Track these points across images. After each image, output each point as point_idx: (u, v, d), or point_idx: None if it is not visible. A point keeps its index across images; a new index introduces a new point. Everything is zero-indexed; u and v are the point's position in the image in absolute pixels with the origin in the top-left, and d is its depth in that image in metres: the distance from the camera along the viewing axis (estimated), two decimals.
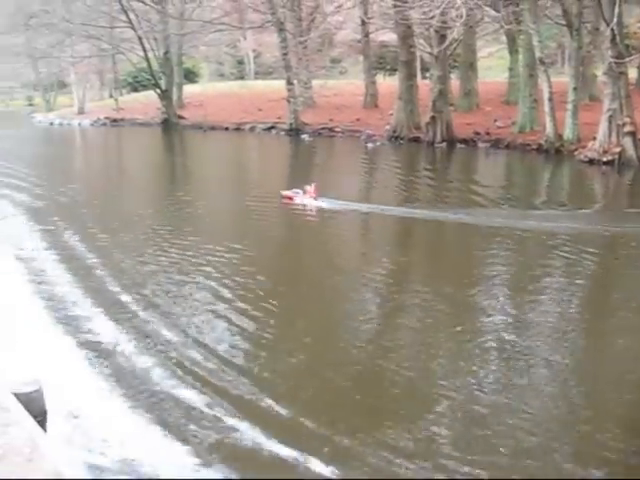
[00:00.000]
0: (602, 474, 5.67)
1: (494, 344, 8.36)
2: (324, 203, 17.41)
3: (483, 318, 9.31)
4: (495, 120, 32.63)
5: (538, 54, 27.85)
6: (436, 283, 10.83)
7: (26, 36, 58.95)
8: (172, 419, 6.53)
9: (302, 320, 9.48)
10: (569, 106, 26.51)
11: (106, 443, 6.08)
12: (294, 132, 38.19)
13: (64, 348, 8.25)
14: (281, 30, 38.88)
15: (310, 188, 17.89)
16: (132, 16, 45.64)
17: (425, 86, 34.85)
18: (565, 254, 12.48)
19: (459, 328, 8.91)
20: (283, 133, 39.11)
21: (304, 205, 17.51)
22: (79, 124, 53.21)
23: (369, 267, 11.67)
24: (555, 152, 26.38)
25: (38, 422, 5.29)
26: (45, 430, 5.36)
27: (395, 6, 30.51)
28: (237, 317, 9.22)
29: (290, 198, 18.03)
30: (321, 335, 8.90)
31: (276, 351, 8.34)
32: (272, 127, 40.97)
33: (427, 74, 42.96)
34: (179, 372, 7.55)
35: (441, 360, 8.02)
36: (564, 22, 28.04)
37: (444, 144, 30.48)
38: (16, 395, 5.62)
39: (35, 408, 5.64)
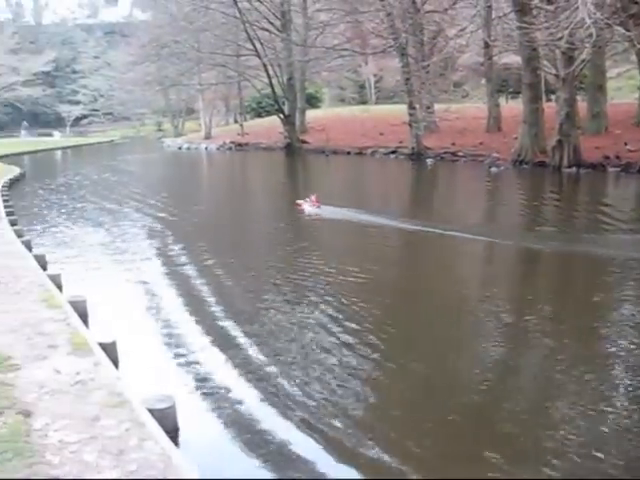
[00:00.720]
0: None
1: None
2: (324, 212, 19.81)
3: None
4: (625, 143, 31.38)
5: None
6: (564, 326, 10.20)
7: (157, 65, 61.80)
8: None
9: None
10: None
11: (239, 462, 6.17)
12: (416, 156, 38.10)
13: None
14: (403, 55, 39.02)
15: (313, 197, 20.58)
16: (257, 44, 47.02)
17: (550, 109, 33.97)
18: None
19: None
20: (404, 157, 39.09)
21: (309, 214, 19.94)
22: (206, 148, 55.16)
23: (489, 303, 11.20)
24: None
25: (170, 438, 5.46)
26: (178, 446, 5.51)
27: (520, 28, 30.03)
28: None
29: (300, 205, 20.71)
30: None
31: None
32: (394, 151, 41.03)
33: (552, 96, 41.99)
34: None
35: None
36: None
37: (572, 169, 29.52)
38: (150, 411, 5.83)
39: (168, 424, 5.83)
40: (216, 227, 20.00)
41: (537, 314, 10.20)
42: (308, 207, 20.43)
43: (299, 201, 20.99)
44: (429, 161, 36.41)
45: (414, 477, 5.76)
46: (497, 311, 10.32)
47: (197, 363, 8.47)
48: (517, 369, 8.48)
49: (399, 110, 45.28)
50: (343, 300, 10.82)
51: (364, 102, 71.12)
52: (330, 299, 10.89)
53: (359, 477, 5.80)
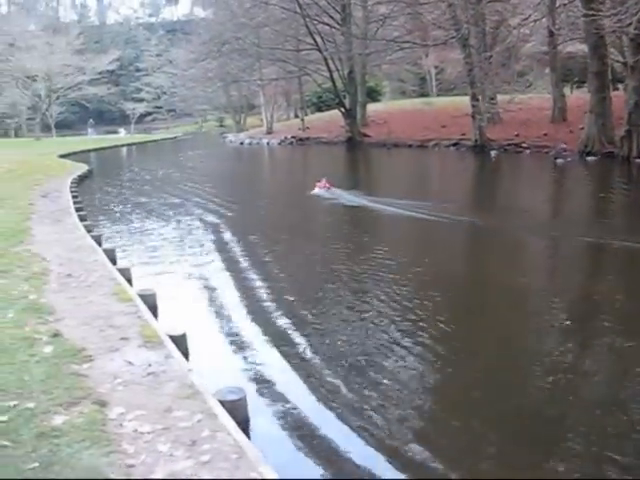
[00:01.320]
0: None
1: None
2: (333, 195, 22.22)
3: None
4: None
5: None
6: None
7: (219, 62, 62.31)
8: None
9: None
10: None
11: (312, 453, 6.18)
12: (479, 148, 37.68)
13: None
14: (465, 46, 38.59)
15: (323, 180, 23.32)
16: (318, 38, 47.03)
17: (617, 98, 33.10)
18: None
19: None
20: (467, 149, 38.66)
21: (318, 195, 22.35)
22: (268, 143, 55.54)
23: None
24: None
25: (242, 430, 5.50)
26: (249, 438, 5.54)
27: (585, 15, 29.32)
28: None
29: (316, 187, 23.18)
30: None
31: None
32: (456, 143, 40.64)
33: (619, 85, 40.94)
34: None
35: None
36: None
37: None
38: (222, 403, 5.88)
39: (239, 416, 5.88)
40: (271, 221, 20.06)
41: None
42: (318, 189, 22.91)
43: (317, 183, 23.35)
44: (493, 153, 35.90)
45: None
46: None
47: (262, 354, 8.55)
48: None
49: (461, 102, 44.81)
50: None
51: (425, 94, 70.57)
52: None
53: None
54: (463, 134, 40.60)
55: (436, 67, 68.82)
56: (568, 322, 9.60)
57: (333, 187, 23.19)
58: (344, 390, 7.41)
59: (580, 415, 6.76)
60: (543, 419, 6.65)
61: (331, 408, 7.04)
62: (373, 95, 67.02)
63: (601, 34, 30.93)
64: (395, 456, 6.00)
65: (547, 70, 48.54)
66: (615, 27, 28.88)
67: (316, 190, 22.90)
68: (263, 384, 7.66)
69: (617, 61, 33.77)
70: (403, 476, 5.73)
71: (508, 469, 5.79)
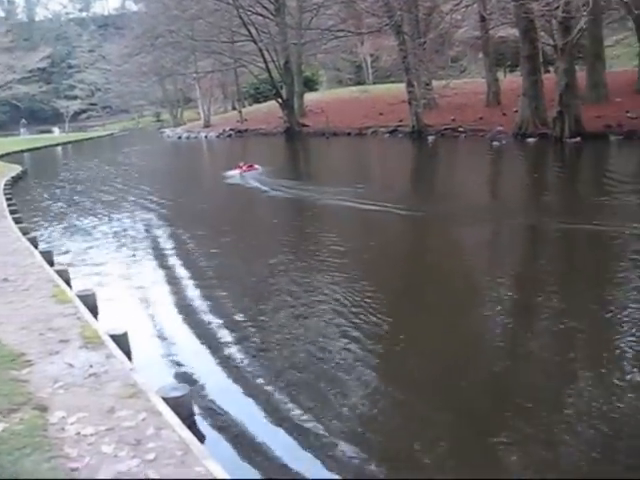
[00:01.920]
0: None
1: None
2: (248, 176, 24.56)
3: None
4: (627, 111, 31.24)
5: None
6: None
7: (153, 56, 61.58)
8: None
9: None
10: None
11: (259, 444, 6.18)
12: (417, 134, 38.02)
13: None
14: (399, 33, 38.81)
15: (243, 164, 26.08)
16: (252, 29, 46.79)
17: (549, 80, 33.79)
18: None
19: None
20: (405, 136, 39.00)
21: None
22: (206, 137, 55.09)
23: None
24: None
25: (187, 426, 5.47)
26: (194, 434, 5.51)
27: (516, 0, 29.81)
28: None
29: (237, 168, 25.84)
30: None
31: None
32: (394, 130, 40.92)
33: (550, 68, 41.76)
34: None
35: None
36: None
37: (574, 139, 29.36)
38: (165, 400, 5.84)
39: (183, 412, 5.84)
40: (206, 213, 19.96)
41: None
42: (235, 171, 25.45)
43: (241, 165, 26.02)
44: (430, 138, 36.25)
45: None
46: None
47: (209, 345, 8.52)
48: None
49: (397, 89, 45.18)
50: None
51: (361, 83, 70.82)
52: None
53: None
54: (400, 121, 40.91)
55: (371, 55, 69.11)
56: (506, 298, 9.81)
57: (254, 169, 25.70)
58: (288, 383, 7.44)
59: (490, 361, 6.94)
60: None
61: (283, 390, 7.09)
62: (310, 85, 67.01)
63: (531, 18, 31.46)
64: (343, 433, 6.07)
65: (480, 55, 49.29)
66: (544, 11, 29.42)
67: (233, 172, 25.33)
68: (207, 379, 7.63)
69: (548, 44, 34.35)
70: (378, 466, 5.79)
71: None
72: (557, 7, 26.76)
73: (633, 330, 8.19)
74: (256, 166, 26.46)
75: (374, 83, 68.48)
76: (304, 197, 20.18)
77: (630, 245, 12.18)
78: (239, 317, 9.69)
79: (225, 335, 9.01)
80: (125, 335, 7.68)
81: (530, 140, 31.25)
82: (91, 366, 6.58)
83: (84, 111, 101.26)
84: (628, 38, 46.53)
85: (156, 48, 58.96)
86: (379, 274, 11.82)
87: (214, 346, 8.66)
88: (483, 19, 40.10)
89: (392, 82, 57.02)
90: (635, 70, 38.18)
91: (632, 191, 17.64)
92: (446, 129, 37.73)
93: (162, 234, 16.68)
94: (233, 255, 13.89)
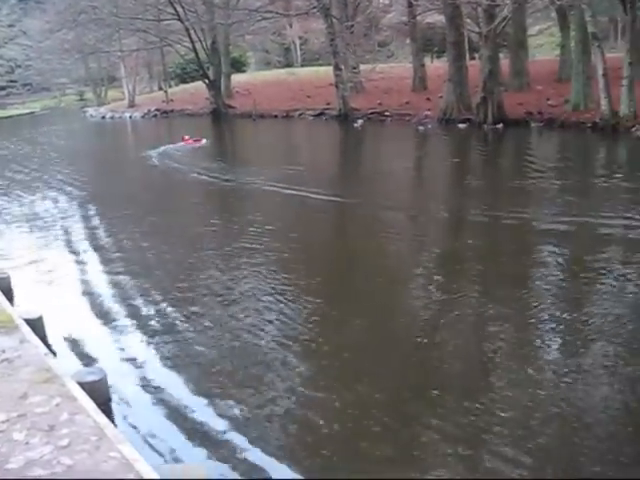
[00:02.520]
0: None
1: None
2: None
3: None
4: (547, 99, 32.01)
5: (591, 29, 27.09)
6: None
7: (75, 32, 59.69)
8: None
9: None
10: (624, 82, 25.75)
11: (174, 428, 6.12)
12: (343, 117, 38.07)
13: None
14: (327, 16, 38.69)
15: (188, 137, 28.72)
16: (178, 8, 45.85)
17: (474, 67, 34.33)
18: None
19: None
20: (331, 118, 39.04)
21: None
22: (130, 117, 53.90)
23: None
24: (611, 129, 25.70)
25: (102, 410, 5.37)
26: (110, 418, 5.42)
27: None
28: None
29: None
30: None
31: None
32: (321, 113, 40.88)
33: (476, 55, 42.41)
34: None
35: None
36: None
37: (496, 125, 29.92)
38: (80, 384, 5.72)
39: (99, 397, 5.73)
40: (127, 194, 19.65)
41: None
42: (183, 143, 28.37)
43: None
44: (359, 122, 36.35)
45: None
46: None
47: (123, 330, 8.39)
48: None
49: (325, 72, 45.13)
50: None
51: (290, 65, 70.50)
52: None
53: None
54: (328, 104, 40.89)
55: (300, 37, 68.81)
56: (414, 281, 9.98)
57: (199, 142, 28.34)
58: (213, 365, 7.41)
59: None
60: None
61: (201, 371, 7.06)
62: (238, 66, 66.28)
63: (457, 4, 31.85)
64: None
65: (408, 40, 49.61)
66: None
67: (174, 145, 27.87)
68: (125, 363, 7.53)
69: (473, 31, 34.87)
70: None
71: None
72: None
73: (552, 312, 8.47)
74: (203, 140, 29.11)
75: (302, 66, 68.22)
76: (224, 179, 20.07)
77: (537, 228, 12.63)
78: (160, 299, 9.59)
79: (143, 318, 8.93)
80: (40, 319, 7.50)
81: (455, 125, 31.69)
82: (3, 351, 6.40)
83: (3, 88, 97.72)
84: (551, 28, 47.61)
85: (79, 24, 57.04)
86: (301, 257, 11.86)
87: (131, 329, 8.56)
88: (410, 4, 40.34)
89: (320, 65, 56.92)
90: (557, 59, 39.07)
91: (549, 176, 18.20)
92: (372, 113, 37.90)
93: (76, 215, 16.47)
94: (150, 237, 13.72)
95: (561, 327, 8.15)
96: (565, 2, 29.75)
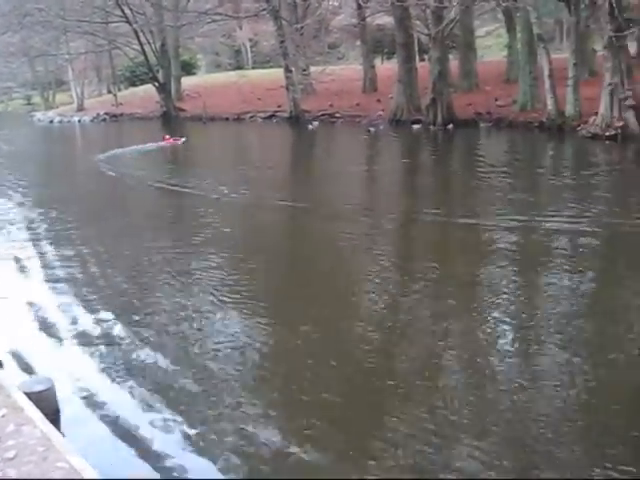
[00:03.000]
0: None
1: None
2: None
3: None
4: (496, 99, 32.46)
5: (537, 31, 27.59)
6: None
7: (21, 35, 58.58)
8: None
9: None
10: (570, 82, 26.25)
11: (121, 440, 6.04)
12: (294, 119, 38.07)
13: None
14: (277, 18, 38.66)
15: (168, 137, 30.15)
16: (127, 10, 45.39)
17: (424, 68, 34.64)
18: None
19: None
20: (281, 121, 39.03)
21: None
22: (79, 121, 53.10)
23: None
24: (557, 129, 26.19)
25: (51, 421, 5.28)
26: (59, 428, 5.34)
27: None
28: None
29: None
30: None
31: None
32: (272, 116, 40.86)
33: (425, 56, 42.75)
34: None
35: None
36: None
37: (446, 125, 30.22)
38: (28, 394, 5.61)
39: (47, 407, 5.64)
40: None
41: None
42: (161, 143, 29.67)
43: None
44: (314, 123, 36.39)
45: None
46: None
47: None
48: None
49: (276, 74, 45.02)
50: None
51: (241, 67, 70.21)
52: None
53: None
54: (279, 106, 40.86)
55: (250, 40, 68.53)
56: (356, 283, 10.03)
57: (178, 141, 29.91)
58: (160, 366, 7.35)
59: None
60: None
61: (145, 376, 6.98)
62: (188, 69, 65.76)
63: (405, 6, 32.11)
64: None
65: (358, 42, 49.82)
66: (417, 0, 30.15)
67: (155, 144, 29.18)
68: (73, 371, 7.42)
69: (423, 33, 35.19)
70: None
71: None
72: None
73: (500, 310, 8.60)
74: (182, 139, 30.64)
75: (253, 68, 68.02)
76: (172, 184, 19.80)
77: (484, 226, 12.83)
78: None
79: (90, 322, 8.84)
80: None
81: (405, 126, 31.92)
82: None
83: None
84: (498, 29, 48.26)
85: (24, 27, 56.09)
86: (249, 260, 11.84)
87: (80, 332, 8.47)
88: (359, 6, 40.53)
89: (271, 67, 56.79)
90: (505, 60, 39.63)
91: (497, 175, 18.48)
92: (323, 115, 38.01)
93: (19, 219, 16.25)
94: (94, 241, 13.59)
95: (511, 327, 8.29)
96: (511, 4, 30.23)
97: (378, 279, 10.37)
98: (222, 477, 5.49)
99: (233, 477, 5.52)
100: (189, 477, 5.49)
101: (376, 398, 6.64)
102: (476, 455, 5.53)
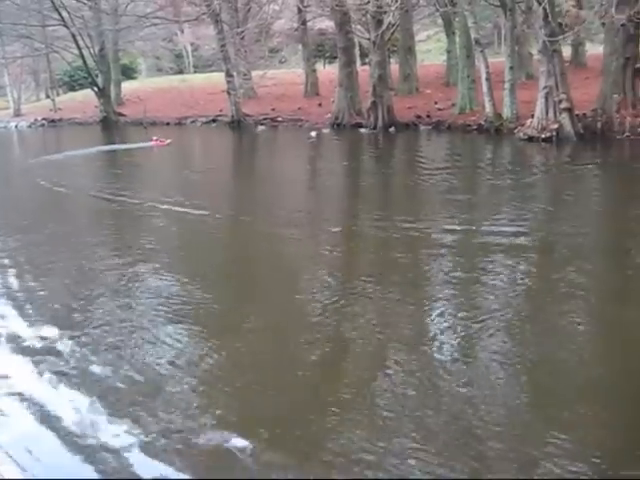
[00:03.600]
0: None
1: None
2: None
3: None
4: (435, 102, 32.88)
5: (474, 35, 28.06)
6: None
7: None
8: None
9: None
10: (506, 85, 26.75)
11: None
12: (236, 124, 37.89)
13: None
14: (217, 22, 38.42)
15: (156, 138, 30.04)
16: (64, 13, 44.57)
17: (365, 72, 34.89)
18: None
19: None
20: (222, 125, 38.88)
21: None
22: (16, 126, 51.94)
23: None
24: (495, 131, 26.64)
25: None
26: None
27: None
28: None
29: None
30: None
31: None
32: (214, 120, 40.68)
33: (367, 60, 43.07)
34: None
35: None
36: (498, 2, 28.27)
37: (387, 129, 30.48)
38: None
39: None
40: None
41: None
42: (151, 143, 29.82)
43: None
44: (261, 127, 36.32)
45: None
46: None
47: None
48: None
49: (217, 78, 44.77)
50: None
51: (182, 72, 69.72)
52: None
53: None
54: (220, 110, 40.68)
55: (192, 44, 68.11)
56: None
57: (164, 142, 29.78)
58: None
59: None
60: None
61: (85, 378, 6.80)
62: (128, 73, 65.01)
63: (345, 11, 32.28)
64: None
65: (299, 46, 49.90)
66: (357, 4, 30.34)
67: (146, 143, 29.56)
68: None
69: (363, 37, 35.46)
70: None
71: None
72: (368, 1, 27.66)
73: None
74: (167, 140, 30.33)
75: (195, 72, 67.62)
76: (108, 192, 19.21)
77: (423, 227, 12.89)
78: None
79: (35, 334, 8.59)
80: None
81: (347, 130, 32.12)
82: None
83: None
84: (438, 34, 48.97)
85: None
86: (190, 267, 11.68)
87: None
88: (300, 10, 40.64)
89: (213, 71, 56.53)
90: (444, 64, 40.16)
91: (436, 176, 18.68)
92: (265, 119, 37.98)
93: None
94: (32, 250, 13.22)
95: (452, 325, 8.33)
96: (449, 9, 30.67)
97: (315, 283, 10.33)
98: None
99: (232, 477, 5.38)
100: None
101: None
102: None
